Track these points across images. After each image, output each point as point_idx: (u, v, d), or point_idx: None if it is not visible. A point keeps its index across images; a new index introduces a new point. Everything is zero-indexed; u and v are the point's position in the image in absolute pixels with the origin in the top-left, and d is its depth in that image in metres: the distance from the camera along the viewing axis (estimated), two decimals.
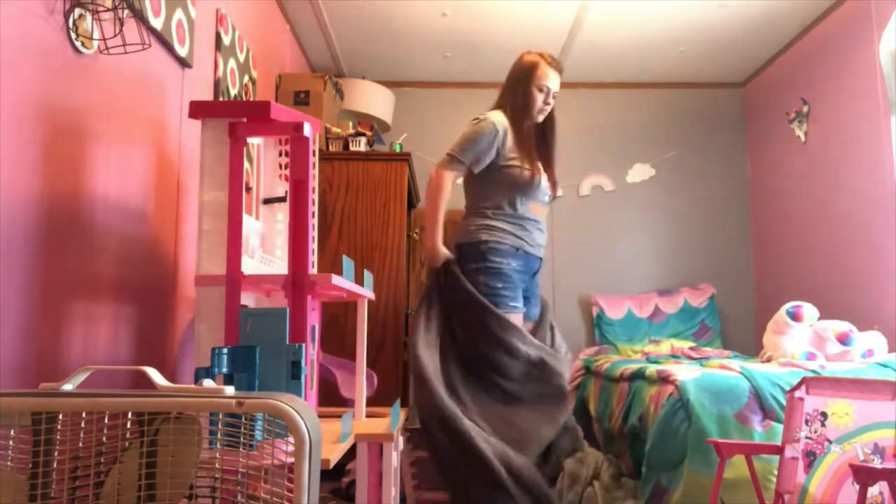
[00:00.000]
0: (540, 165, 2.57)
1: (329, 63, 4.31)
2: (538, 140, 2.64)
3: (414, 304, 4.10)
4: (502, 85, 2.66)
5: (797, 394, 1.94)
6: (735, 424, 2.27)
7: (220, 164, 1.64)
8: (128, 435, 1.04)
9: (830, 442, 1.84)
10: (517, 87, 2.57)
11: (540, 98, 2.56)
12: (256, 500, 1.02)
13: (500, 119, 2.54)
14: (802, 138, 3.89)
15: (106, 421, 1.04)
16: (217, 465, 1.03)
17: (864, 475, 1.54)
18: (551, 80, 2.56)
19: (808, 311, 2.86)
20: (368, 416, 2.03)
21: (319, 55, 4.19)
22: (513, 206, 2.53)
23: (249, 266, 1.66)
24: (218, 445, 1.05)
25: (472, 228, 2.51)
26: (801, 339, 2.81)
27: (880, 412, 1.76)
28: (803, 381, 1.95)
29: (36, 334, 1.54)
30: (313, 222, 1.71)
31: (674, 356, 3.57)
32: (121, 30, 1.78)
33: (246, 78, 2.91)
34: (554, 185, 2.66)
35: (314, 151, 1.72)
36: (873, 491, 1.62)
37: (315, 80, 3.55)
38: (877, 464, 1.73)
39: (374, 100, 4.12)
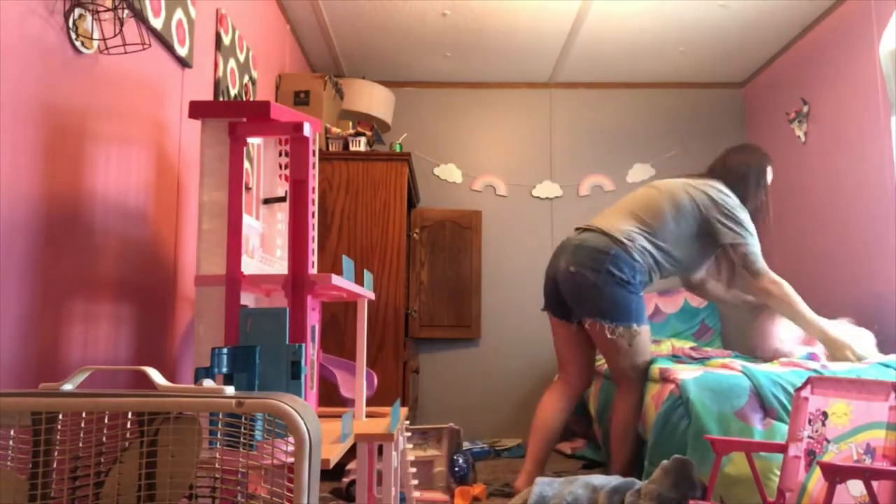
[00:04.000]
0: None
1: (329, 63, 4.31)
2: None
3: (415, 304, 4.11)
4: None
5: (803, 393, 1.94)
6: (736, 423, 2.27)
7: (220, 164, 1.64)
8: (128, 435, 1.04)
9: (828, 441, 1.84)
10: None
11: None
12: (256, 500, 1.02)
13: None
14: (802, 138, 3.89)
15: (106, 421, 1.05)
16: (217, 465, 1.03)
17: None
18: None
19: None
20: (368, 416, 2.03)
21: (319, 55, 4.19)
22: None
23: (249, 266, 1.67)
24: (218, 445, 1.05)
25: None
26: (796, 331, 2.82)
27: (875, 412, 1.75)
28: (809, 380, 1.95)
29: (36, 334, 1.54)
30: (313, 222, 1.71)
31: (674, 356, 3.57)
32: (121, 30, 1.79)
33: (246, 78, 2.91)
34: None
35: (314, 151, 1.73)
36: (862, 490, 1.61)
37: (315, 80, 3.55)
38: (867, 464, 1.73)
39: (374, 100, 4.12)
